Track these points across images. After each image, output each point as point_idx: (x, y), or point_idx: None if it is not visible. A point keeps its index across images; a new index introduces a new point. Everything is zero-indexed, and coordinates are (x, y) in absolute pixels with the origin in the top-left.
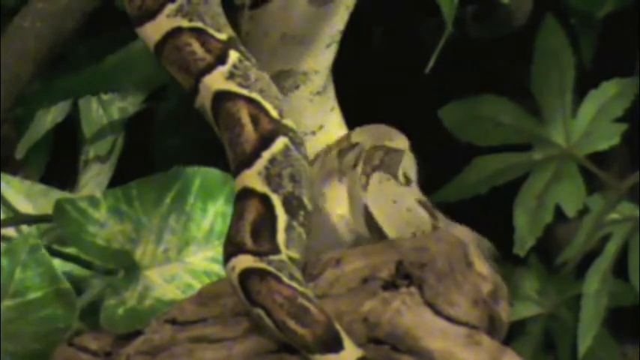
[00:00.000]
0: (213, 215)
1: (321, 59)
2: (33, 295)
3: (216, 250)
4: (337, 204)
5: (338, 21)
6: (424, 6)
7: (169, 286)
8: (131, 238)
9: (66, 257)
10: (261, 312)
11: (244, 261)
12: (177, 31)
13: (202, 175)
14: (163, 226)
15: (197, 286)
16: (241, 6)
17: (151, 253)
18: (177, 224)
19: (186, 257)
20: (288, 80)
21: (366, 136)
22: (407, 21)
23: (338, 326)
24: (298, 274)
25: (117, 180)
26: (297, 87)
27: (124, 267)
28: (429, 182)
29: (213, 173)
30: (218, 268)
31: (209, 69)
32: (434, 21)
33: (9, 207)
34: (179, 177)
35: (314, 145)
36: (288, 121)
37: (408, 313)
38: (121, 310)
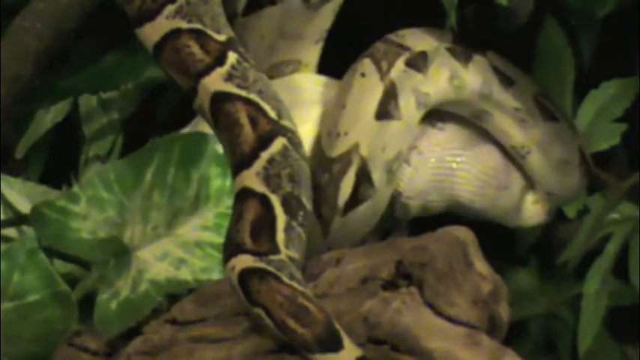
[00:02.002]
0: (197, 181)
1: (311, 54)
2: (32, 298)
3: (205, 218)
4: None
5: (325, 21)
6: (425, 3)
7: (162, 264)
8: (116, 223)
9: (66, 257)
10: (261, 311)
11: (244, 261)
12: (176, 33)
13: (181, 140)
14: (147, 204)
15: (189, 259)
16: (233, 15)
17: (139, 233)
18: (162, 199)
19: (176, 230)
20: (289, 67)
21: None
22: (408, 19)
23: (338, 326)
24: (298, 274)
25: None
26: (297, 71)
27: (114, 254)
28: None
29: (192, 137)
30: (209, 236)
31: (208, 70)
32: (435, 18)
33: (10, 207)
34: (157, 150)
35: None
36: (286, 122)
37: (408, 313)
38: (114, 305)
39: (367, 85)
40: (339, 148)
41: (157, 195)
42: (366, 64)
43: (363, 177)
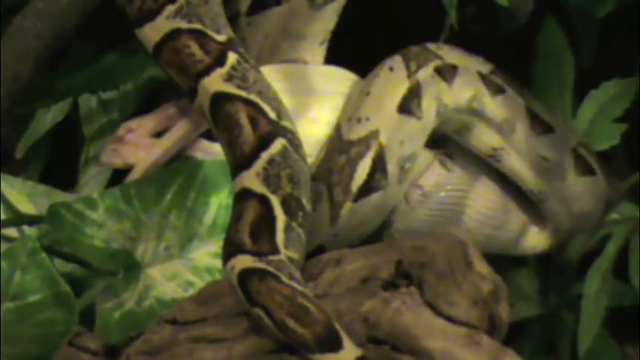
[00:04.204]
0: (216, 208)
1: (315, 54)
2: (33, 298)
3: (219, 245)
4: None
5: (329, 22)
6: (425, 3)
7: (170, 284)
8: (131, 237)
9: (67, 257)
10: (260, 312)
11: (244, 261)
12: (176, 33)
13: (206, 167)
14: (164, 223)
15: (198, 283)
16: (236, 14)
17: (152, 251)
18: (179, 220)
19: (189, 253)
20: None
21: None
22: (408, 19)
23: (337, 326)
24: (298, 274)
25: (116, 179)
26: None
27: (124, 267)
28: None
29: (217, 164)
30: (220, 264)
31: (208, 71)
32: (436, 18)
33: (10, 207)
34: (180, 172)
35: None
36: (286, 123)
37: (408, 313)
38: (117, 314)
39: (394, 79)
40: (359, 132)
41: (175, 216)
42: (396, 61)
43: (380, 164)
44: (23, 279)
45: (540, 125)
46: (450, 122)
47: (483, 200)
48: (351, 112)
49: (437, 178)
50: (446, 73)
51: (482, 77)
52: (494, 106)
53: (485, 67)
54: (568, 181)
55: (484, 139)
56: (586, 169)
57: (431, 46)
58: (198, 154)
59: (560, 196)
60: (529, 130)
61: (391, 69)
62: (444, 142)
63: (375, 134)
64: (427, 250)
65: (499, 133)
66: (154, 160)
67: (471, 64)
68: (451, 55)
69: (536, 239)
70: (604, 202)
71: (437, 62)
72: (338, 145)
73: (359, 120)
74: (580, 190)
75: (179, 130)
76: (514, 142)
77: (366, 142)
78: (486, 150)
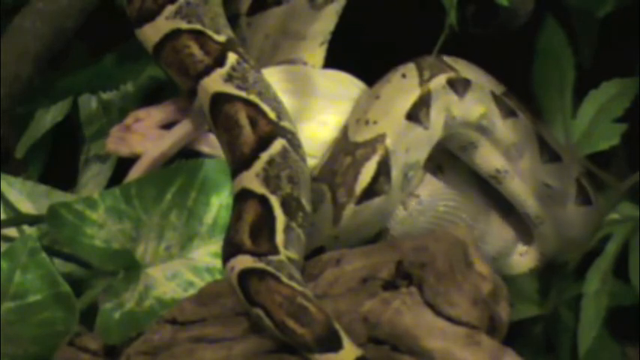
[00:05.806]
0: (217, 208)
1: (315, 55)
2: (33, 298)
3: (220, 245)
4: None
5: (330, 22)
6: (425, 3)
7: (171, 283)
8: (131, 237)
9: (67, 258)
10: (260, 312)
11: (243, 261)
12: (176, 33)
13: (206, 166)
14: (164, 223)
15: (198, 283)
16: (236, 14)
17: (152, 250)
18: (179, 220)
19: (189, 253)
20: None
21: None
22: (408, 20)
23: (337, 325)
24: (297, 275)
25: (117, 179)
26: None
27: (125, 267)
28: None
29: (218, 163)
30: (220, 264)
31: (207, 71)
32: (435, 18)
33: (11, 207)
34: (181, 172)
35: None
36: (286, 123)
37: (408, 313)
38: (117, 314)
39: (405, 85)
40: (366, 135)
41: (175, 216)
42: (409, 68)
43: (384, 168)
44: (23, 279)
45: (548, 153)
46: (457, 137)
47: (473, 215)
48: (359, 115)
49: (431, 188)
50: (458, 86)
51: (495, 98)
52: (504, 128)
53: (498, 89)
54: (567, 209)
55: (489, 159)
56: (585, 200)
57: (447, 58)
58: (205, 148)
59: (556, 223)
60: (537, 157)
61: (404, 76)
62: (435, 155)
63: (381, 138)
64: (427, 250)
65: (505, 156)
66: (162, 151)
67: (486, 83)
68: (466, 69)
69: (519, 260)
70: (594, 230)
71: (450, 74)
72: (344, 146)
73: (367, 122)
74: (576, 219)
75: (187, 123)
76: (519, 167)
77: (372, 145)
78: (489, 170)
